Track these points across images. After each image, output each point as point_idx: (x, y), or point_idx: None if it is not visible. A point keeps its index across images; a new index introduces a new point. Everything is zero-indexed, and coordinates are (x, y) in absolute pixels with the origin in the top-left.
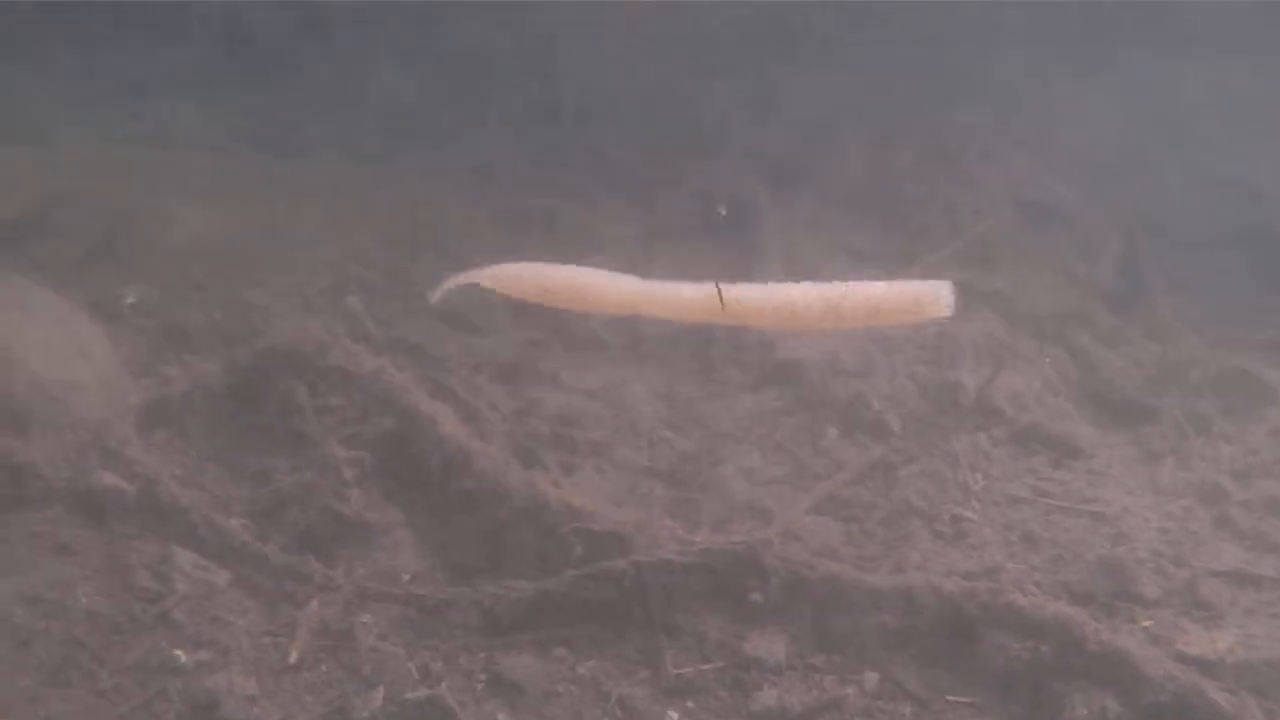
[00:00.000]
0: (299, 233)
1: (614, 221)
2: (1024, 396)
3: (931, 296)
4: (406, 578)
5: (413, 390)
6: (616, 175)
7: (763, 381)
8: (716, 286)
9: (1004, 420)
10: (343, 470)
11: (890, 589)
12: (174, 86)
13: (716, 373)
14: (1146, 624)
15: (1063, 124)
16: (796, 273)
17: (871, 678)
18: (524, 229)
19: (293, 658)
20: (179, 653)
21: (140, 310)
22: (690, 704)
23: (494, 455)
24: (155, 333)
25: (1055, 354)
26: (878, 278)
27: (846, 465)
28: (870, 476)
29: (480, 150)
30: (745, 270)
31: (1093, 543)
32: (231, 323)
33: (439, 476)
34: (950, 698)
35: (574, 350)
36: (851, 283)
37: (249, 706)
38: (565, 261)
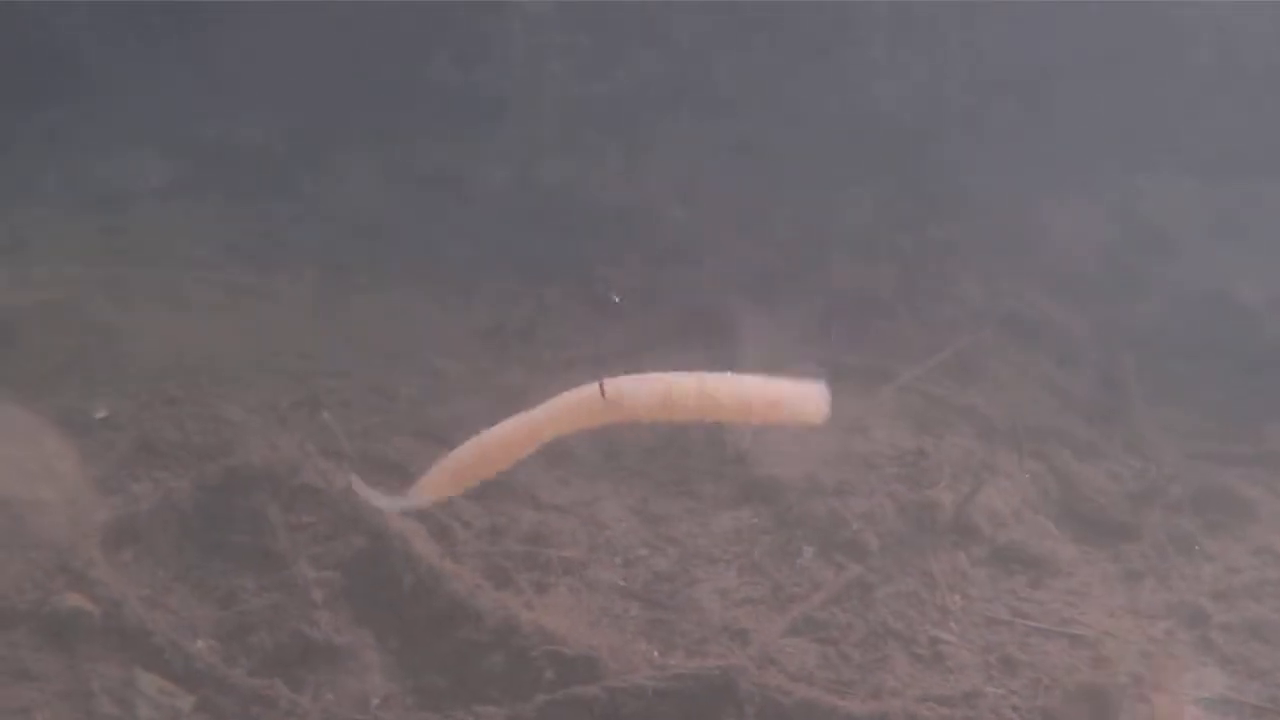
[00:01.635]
0: (275, 345)
1: (596, 334)
2: (1002, 514)
3: (806, 398)
4: (375, 702)
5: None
6: (599, 288)
7: (740, 498)
8: (599, 383)
9: (982, 539)
10: (312, 591)
11: (865, 715)
12: (155, 197)
13: (693, 488)
14: None
15: (1043, 237)
16: None
17: None
18: (504, 342)
19: None
20: None
21: (110, 425)
22: None
23: (466, 576)
24: (125, 448)
25: (1034, 469)
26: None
27: (823, 585)
28: (847, 597)
29: (460, 263)
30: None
31: (1072, 666)
32: (203, 438)
33: (410, 597)
34: None
35: (549, 465)
36: (730, 376)
37: None
38: (544, 374)
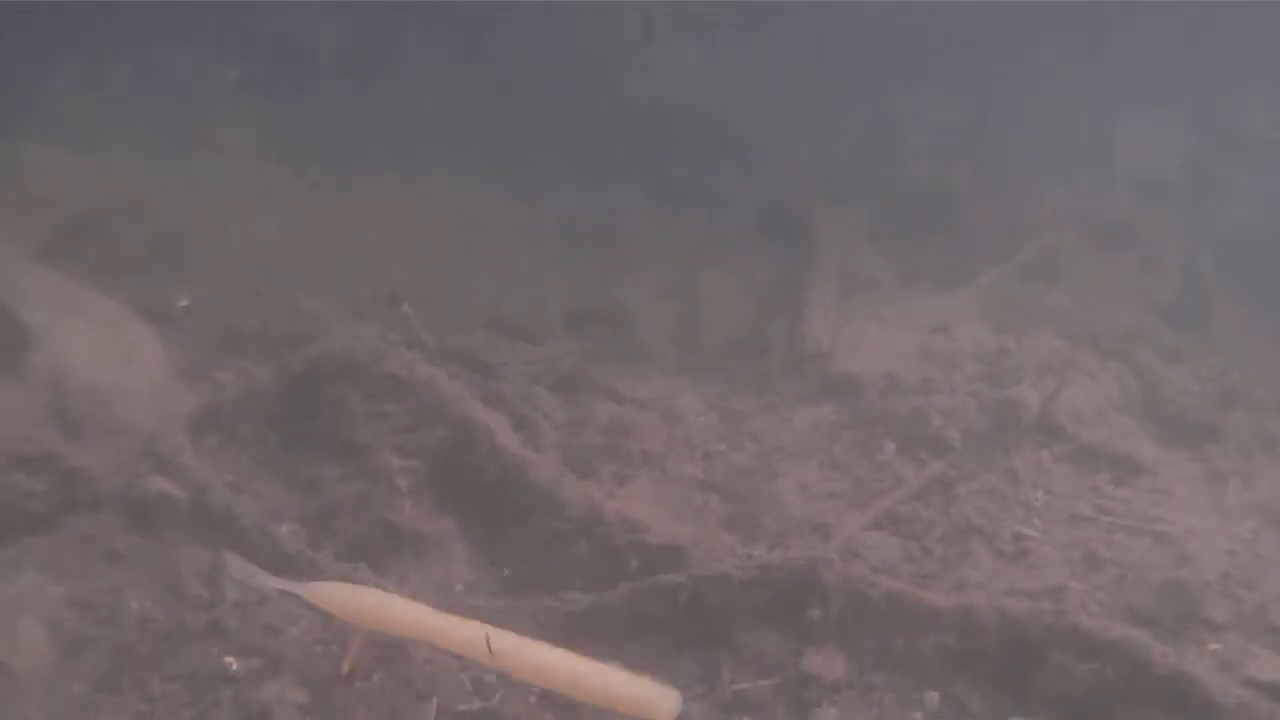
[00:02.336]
0: (354, 241)
1: (670, 234)
2: (1086, 413)
3: (664, 703)
4: (459, 588)
5: (467, 399)
6: (674, 188)
7: (819, 395)
8: (487, 636)
9: (1065, 437)
10: (396, 479)
11: (952, 608)
12: (232, 94)
13: (772, 385)
14: (1215, 648)
15: (1126, 142)
16: (851, 286)
17: (932, 697)
18: (580, 240)
19: (345, 668)
20: (230, 660)
21: (192, 314)
22: None
23: (549, 466)
24: (207, 338)
25: (1117, 370)
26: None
27: (905, 481)
28: (929, 493)
29: (538, 163)
30: (800, 284)
31: (1157, 564)
32: (284, 328)
33: (493, 487)
34: (1014, 719)
35: (629, 361)
36: (597, 665)
37: (301, 716)
38: (621, 270)
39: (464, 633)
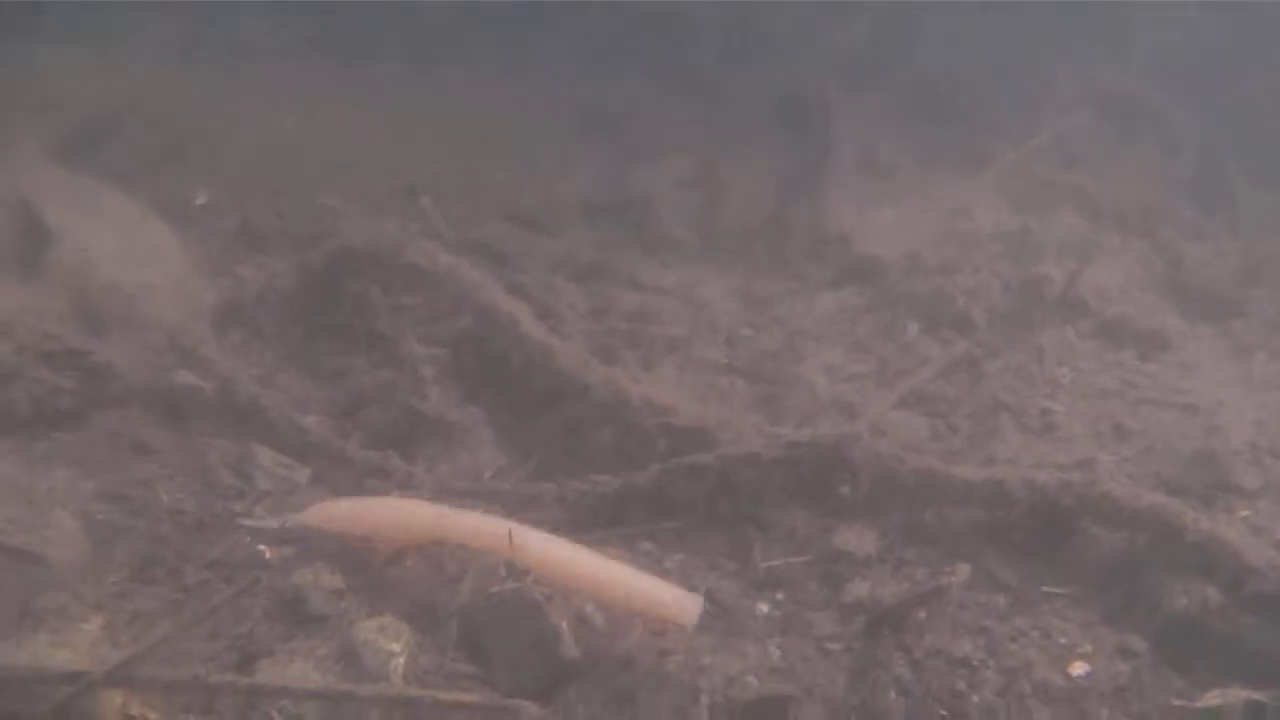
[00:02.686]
0: (368, 137)
1: (686, 123)
2: (1110, 290)
3: (685, 608)
4: (488, 474)
5: (490, 287)
6: (688, 77)
7: (841, 278)
8: (510, 532)
9: (1090, 314)
10: (421, 368)
11: (981, 481)
12: None
13: (794, 269)
14: (1246, 514)
15: (1142, 23)
16: (869, 171)
17: (964, 569)
18: (596, 131)
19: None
20: (263, 548)
21: (211, 212)
22: (780, 596)
23: (574, 352)
24: (226, 234)
25: (1140, 248)
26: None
27: (930, 361)
28: (955, 371)
29: (550, 55)
30: (818, 170)
31: (1186, 434)
32: (303, 224)
33: (519, 374)
34: (1046, 589)
35: (649, 249)
36: (623, 569)
37: (336, 601)
38: (638, 161)
39: (483, 528)
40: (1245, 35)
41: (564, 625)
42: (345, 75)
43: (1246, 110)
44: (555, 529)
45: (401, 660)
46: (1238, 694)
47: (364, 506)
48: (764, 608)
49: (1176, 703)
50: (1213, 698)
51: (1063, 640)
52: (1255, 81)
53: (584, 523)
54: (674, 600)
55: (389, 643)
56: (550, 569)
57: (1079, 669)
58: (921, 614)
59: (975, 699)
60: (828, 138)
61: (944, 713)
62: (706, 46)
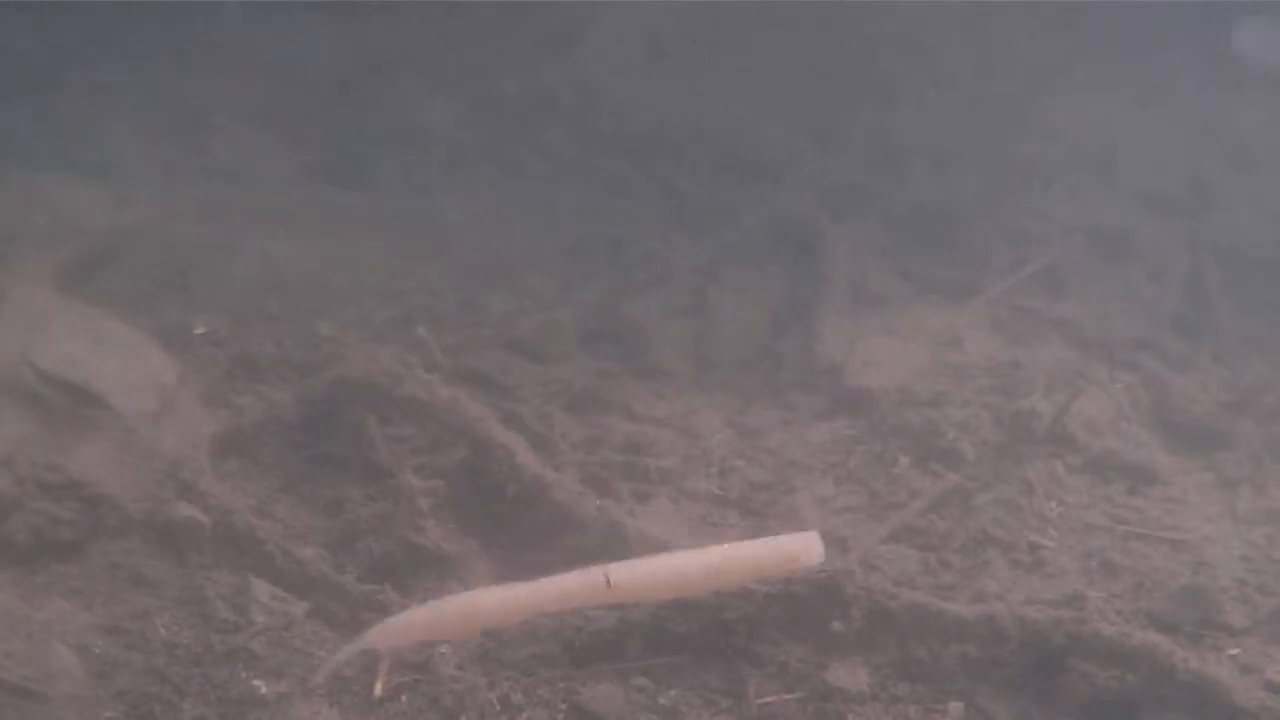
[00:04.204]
0: (366, 264)
1: (680, 250)
2: (1098, 423)
3: (806, 548)
4: None
5: (487, 420)
6: (681, 205)
7: (833, 409)
8: (605, 574)
9: (1078, 447)
10: (418, 500)
11: (973, 618)
12: (240, 118)
13: (786, 400)
14: (1234, 652)
15: (1125, 154)
16: (862, 301)
17: (956, 707)
18: (591, 259)
19: (377, 691)
20: (259, 684)
21: (210, 340)
22: None
23: (569, 485)
24: (226, 363)
25: (1127, 380)
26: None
27: (921, 494)
28: (945, 505)
29: (546, 182)
30: (810, 298)
31: (1174, 570)
32: (302, 353)
33: (515, 506)
34: None
35: (643, 379)
36: (732, 545)
37: None
38: (632, 290)
39: (576, 585)
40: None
41: None
42: (344, 201)
43: (1229, 240)
44: (549, 663)
45: None
46: None
47: (434, 614)
48: None
49: None
50: None
51: None
52: (1238, 211)
53: (580, 658)
54: (799, 546)
55: None
56: (664, 589)
57: None
58: None
59: None
60: (819, 267)
61: None
62: (699, 175)
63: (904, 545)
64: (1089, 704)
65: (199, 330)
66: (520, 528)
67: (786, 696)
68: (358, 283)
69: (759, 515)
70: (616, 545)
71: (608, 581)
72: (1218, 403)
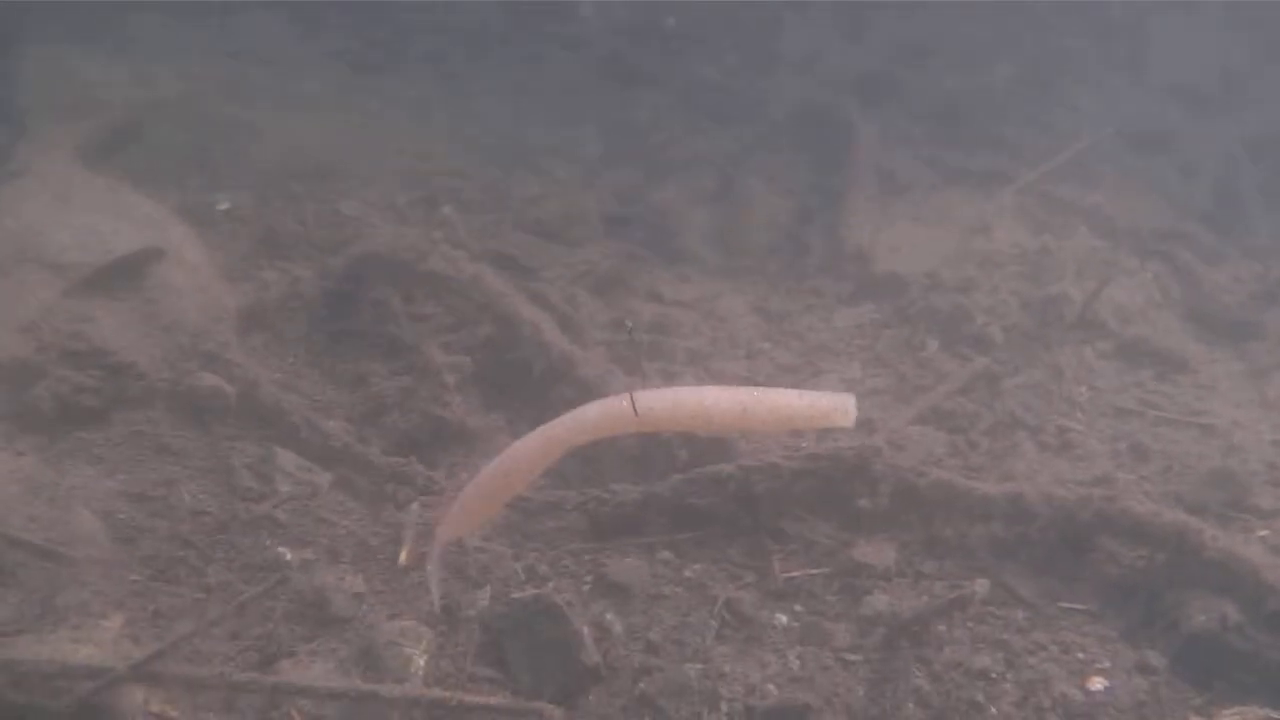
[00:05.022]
0: (391, 146)
1: (709, 137)
2: (1128, 310)
3: (839, 408)
4: None
5: (513, 297)
6: (711, 93)
7: (860, 295)
8: (630, 397)
9: (1108, 333)
10: (443, 375)
11: (1001, 496)
12: (265, 3)
13: (813, 285)
14: (1263, 533)
15: (1161, 51)
16: (890, 189)
17: (982, 584)
18: (618, 146)
19: (402, 559)
20: (284, 551)
21: (233, 217)
22: (799, 607)
23: (596, 362)
24: (249, 239)
25: (1158, 270)
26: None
27: (949, 377)
28: (973, 388)
29: (572, 71)
30: (839, 185)
31: (1204, 454)
32: (325, 231)
33: (540, 382)
34: (1063, 604)
35: (670, 263)
36: (764, 390)
37: (357, 604)
38: (659, 176)
39: (594, 414)
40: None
41: (585, 631)
42: (369, 84)
43: (1260, 137)
44: (574, 536)
45: (422, 663)
46: (1255, 711)
47: (482, 492)
48: (783, 618)
49: (1195, 719)
50: (1230, 714)
51: (1081, 655)
52: (1269, 108)
53: (605, 531)
54: (833, 405)
55: (410, 645)
56: (690, 420)
57: (1097, 684)
58: (940, 627)
59: (993, 711)
60: (848, 155)
61: None
62: (727, 63)
63: (931, 427)
64: (1115, 582)
65: (222, 207)
66: (546, 404)
67: (813, 571)
68: (382, 165)
69: None
70: None
71: (634, 409)
72: (1248, 293)
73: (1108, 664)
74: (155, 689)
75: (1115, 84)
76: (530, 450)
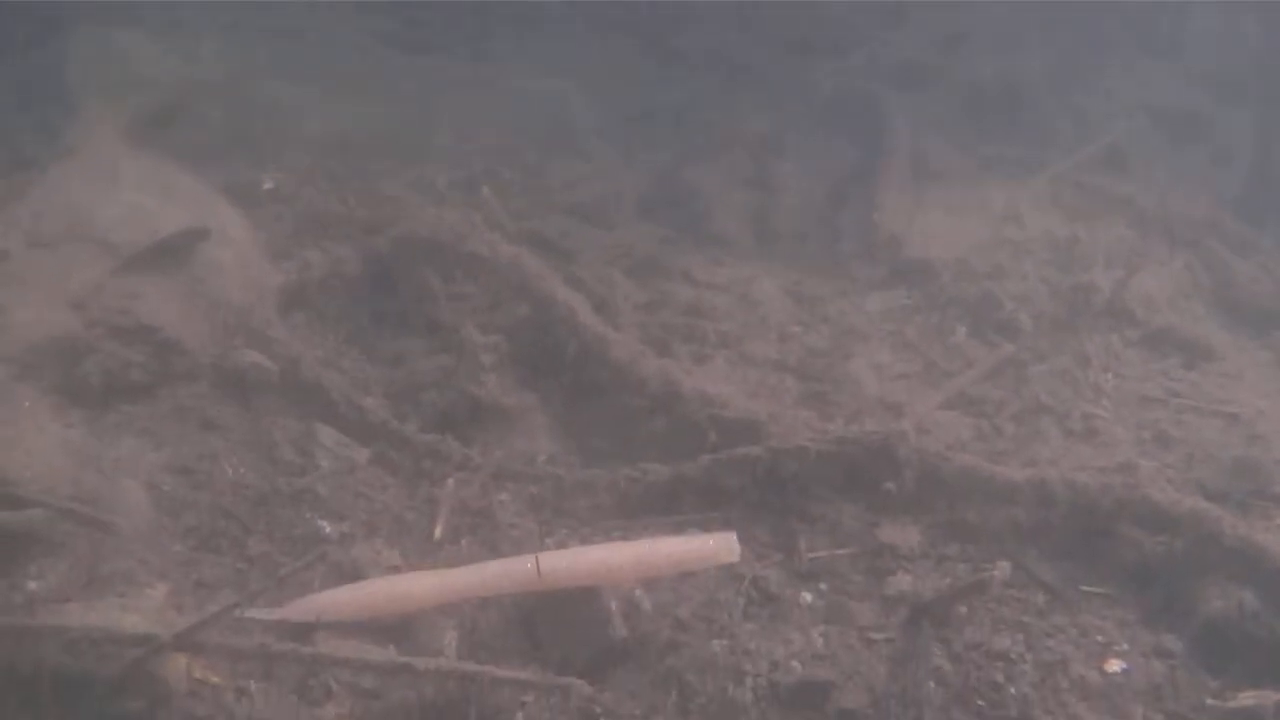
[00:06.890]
0: (431, 127)
1: (744, 121)
2: (1156, 299)
3: (725, 547)
4: (542, 459)
5: (549, 277)
6: (747, 76)
7: (891, 280)
8: (535, 559)
9: (1136, 322)
10: (480, 355)
11: (1024, 481)
12: None
13: (845, 269)
14: None
15: (1196, 38)
16: (923, 175)
17: (1004, 567)
18: (655, 129)
19: (437, 533)
20: (324, 524)
21: (277, 197)
22: (824, 586)
23: (629, 344)
24: (292, 219)
25: (1187, 259)
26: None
27: (977, 363)
28: (1000, 374)
29: (609, 53)
30: (872, 172)
31: (1227, 443)
32: (367, 211)
33: (575, 363)
34: (1084, 588)
35: (704, 246)
36: (653, 540)
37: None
38: (694, 159)
39: (493, 572)
40: None
41: (614, 606)
42: (411, 65)
43: None
44: (604, 513)
45: (455, 636)
46: (1271, 695)
47: (363, 593)
48: (808, 597)
49: (1211, 702)
50: (1247, 698)
51: (1100, 638)
52: None
53: (635, 509)
54: (719, 545)
55: (443, 619)
56: (590, 576)
57: (1115, 666)
58: (962, 608)
59: (1012, 691)
60: (881, 140)
61: (982, 703)
62: (762, 47)
63: (958, 412)
64: (1135, 567)
65: (266, 186)
66: (580, 384)
67: (839, 552)
68: (423, 145)
69: (816, 380)
70: (674, 403)
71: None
72: (1277, 284)
73: (1126, 647)
74: (198, 657)
75: (1150, 71)
76: (418, 588)
